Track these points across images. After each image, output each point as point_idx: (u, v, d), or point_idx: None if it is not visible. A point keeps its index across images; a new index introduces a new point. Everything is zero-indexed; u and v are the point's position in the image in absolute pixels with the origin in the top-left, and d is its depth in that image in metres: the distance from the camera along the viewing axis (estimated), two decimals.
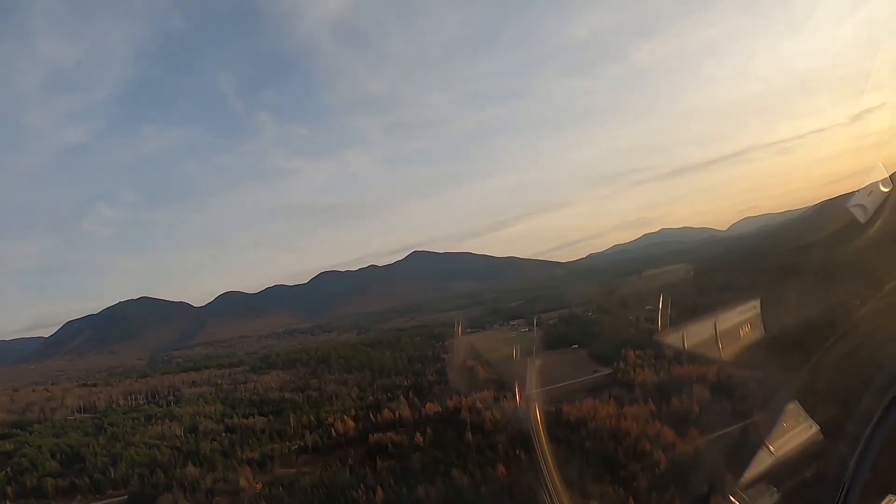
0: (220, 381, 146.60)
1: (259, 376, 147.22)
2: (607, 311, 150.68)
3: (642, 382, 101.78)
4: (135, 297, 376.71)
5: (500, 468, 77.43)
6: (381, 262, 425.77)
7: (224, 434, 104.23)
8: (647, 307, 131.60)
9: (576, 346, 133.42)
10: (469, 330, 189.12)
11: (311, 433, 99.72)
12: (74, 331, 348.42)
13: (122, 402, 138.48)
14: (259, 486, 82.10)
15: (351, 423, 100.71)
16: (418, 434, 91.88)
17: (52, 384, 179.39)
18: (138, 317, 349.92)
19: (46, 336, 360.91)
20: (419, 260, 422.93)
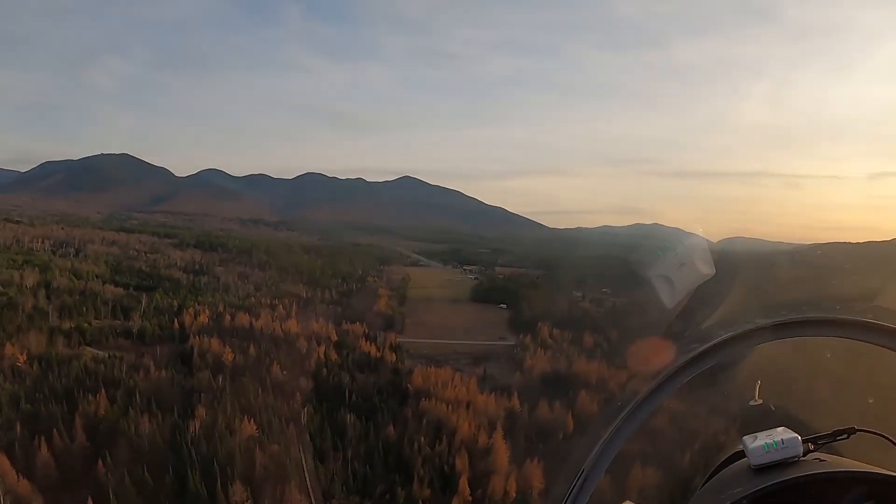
0: (135, 248, 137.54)
1: (174, 251, 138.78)
2: (557, 282, 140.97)
3: (530, 368, 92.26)
4: (116, 153, 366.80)
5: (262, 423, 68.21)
6: (370, 178, 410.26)
7: (70, 296, 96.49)
8: (603, 289, 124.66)
9: (504, 305, 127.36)
10: (421, 263, 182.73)
11: (154, 318, 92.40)
12: (48, 172, 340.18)
13: (24, 243, 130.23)
14: (23, 358, 74.89)
15: (203, 319, 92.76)
16: (235, 352, 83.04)
17: None
18: (114, 172, 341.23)
19: (22, 171, 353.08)
20: (408, 186, 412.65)
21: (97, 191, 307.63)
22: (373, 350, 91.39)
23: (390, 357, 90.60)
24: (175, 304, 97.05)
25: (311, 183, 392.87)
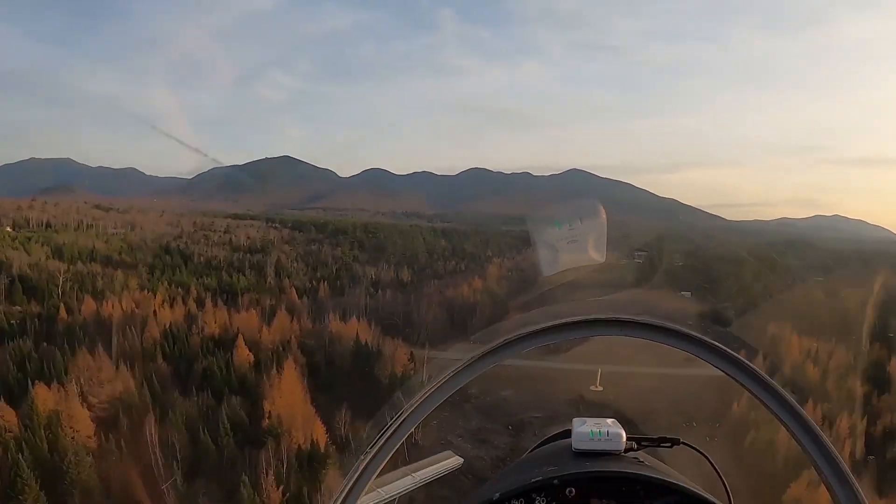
0: (204, 229, 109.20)
1: (251, 231, 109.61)
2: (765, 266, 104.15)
3: None
4: (276, 156, 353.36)
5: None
6: (536, 173, 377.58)
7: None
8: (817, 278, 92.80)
9: (688, 293, 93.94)
10: None
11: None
12: (212, 177, 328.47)
13: (83, 224, 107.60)
14: None
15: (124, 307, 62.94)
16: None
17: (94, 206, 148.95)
18: (275, 174, 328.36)
19: (189, 178, 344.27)
20: (576, 178, 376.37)
21: (257, 192, 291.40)
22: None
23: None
24: (133, 285, 67.08)
25: (475, 178, 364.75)
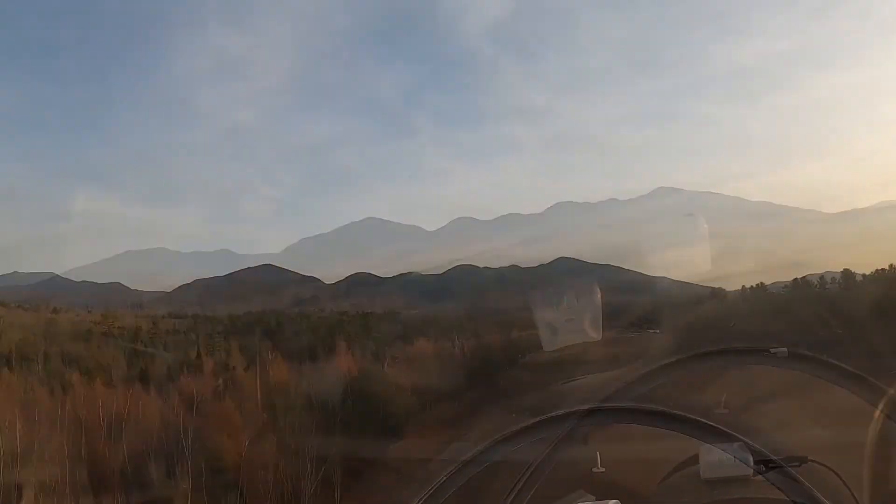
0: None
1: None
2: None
3: None
4: (258, 265, 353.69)
5: None
6: (524, 265, 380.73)
7: None
8: None
9: (783, 349, 67.85)
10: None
11: None
12: (193, 288, 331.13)
13: None
14: None
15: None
16: None
17: None
18: (258, 282, 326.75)
19: (169, 291, 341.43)
20: (564, 266, 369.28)
21: (239, 300, 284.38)
22: None
23: None
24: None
25: (464, 274, 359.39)
